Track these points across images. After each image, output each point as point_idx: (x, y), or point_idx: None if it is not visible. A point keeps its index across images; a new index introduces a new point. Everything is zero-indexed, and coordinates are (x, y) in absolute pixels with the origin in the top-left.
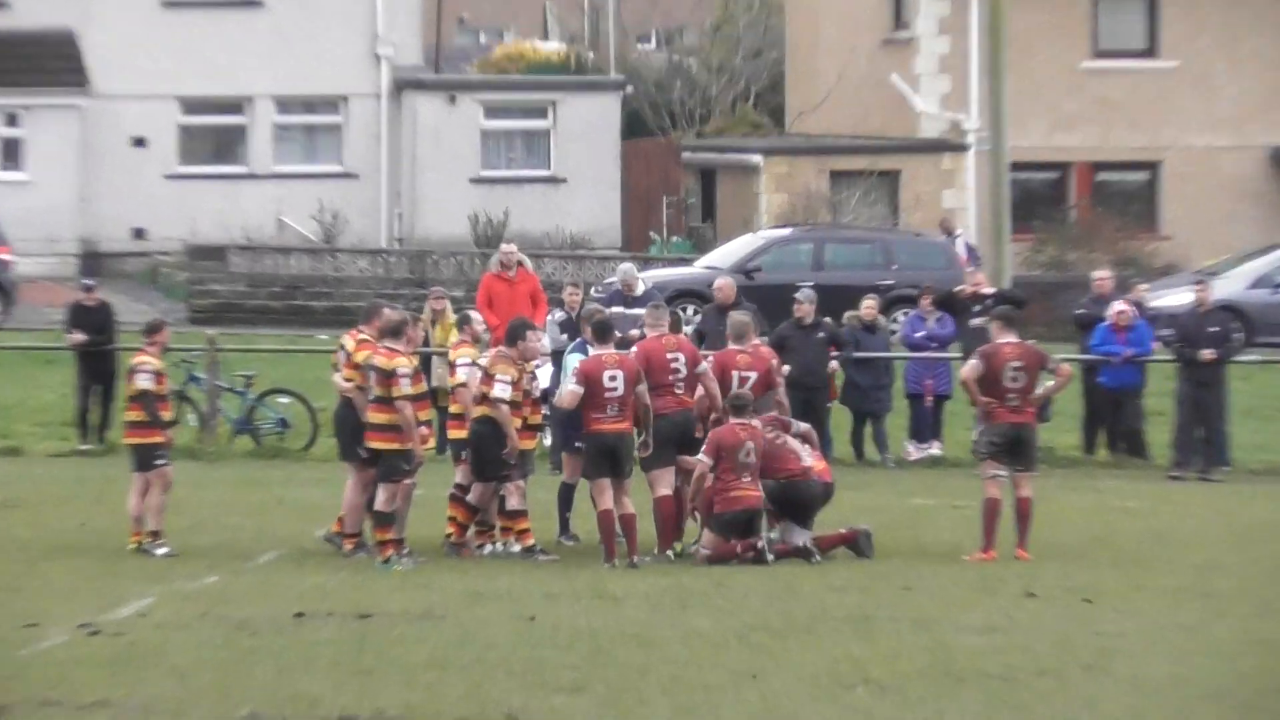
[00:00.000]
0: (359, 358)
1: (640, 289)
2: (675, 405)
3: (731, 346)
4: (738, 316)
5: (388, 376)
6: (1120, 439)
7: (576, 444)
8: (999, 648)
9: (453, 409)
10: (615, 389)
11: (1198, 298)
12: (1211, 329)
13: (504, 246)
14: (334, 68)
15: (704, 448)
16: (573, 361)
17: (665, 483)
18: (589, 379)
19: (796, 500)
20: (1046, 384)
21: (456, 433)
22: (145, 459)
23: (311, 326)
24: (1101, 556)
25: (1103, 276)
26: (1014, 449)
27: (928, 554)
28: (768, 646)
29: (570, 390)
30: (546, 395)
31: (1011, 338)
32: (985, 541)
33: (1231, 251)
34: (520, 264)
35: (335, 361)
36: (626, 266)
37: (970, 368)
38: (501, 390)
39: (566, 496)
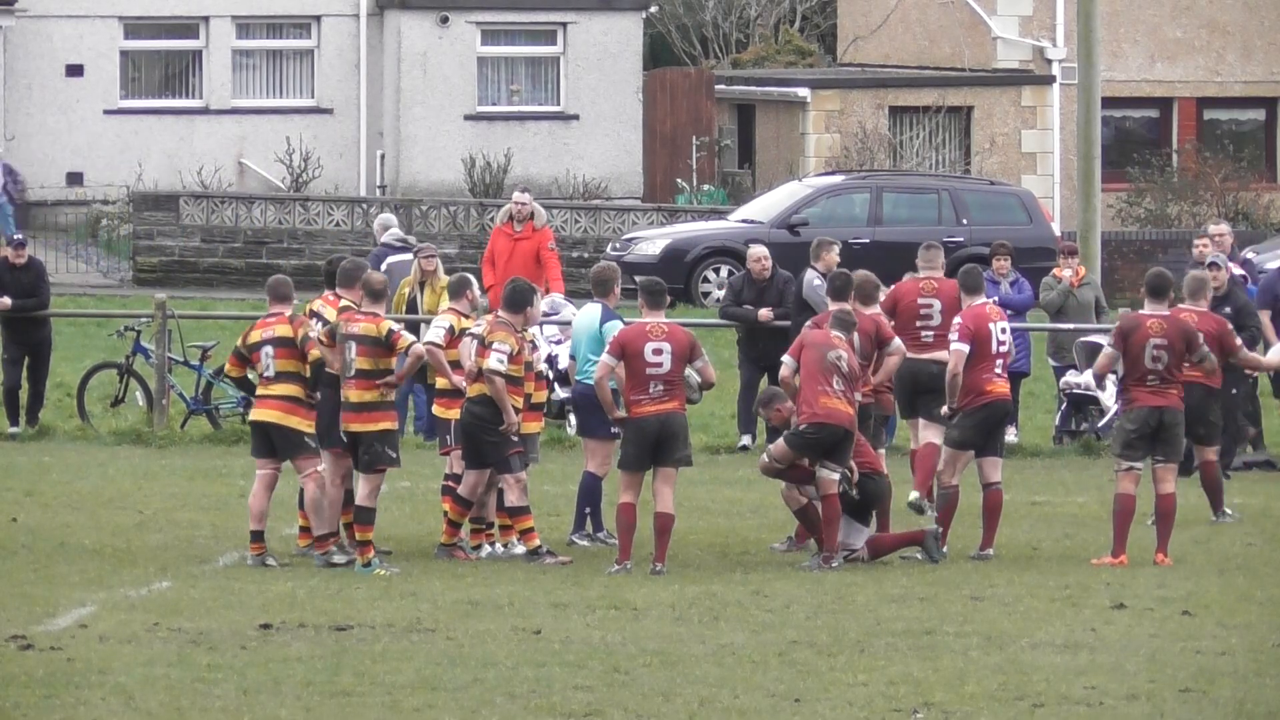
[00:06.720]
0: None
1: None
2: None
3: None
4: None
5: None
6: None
7: (614, 430)
8: (1082, 668)
9: (438, 384)
10: (660, 365)
11: None
12: None
13: (516, 195)
14: None
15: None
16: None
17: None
18: (628, 352)
19: (868, 495)
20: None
21: (444, 412)
22: None
23: None
24: (1203, 562)
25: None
26: (1155, 437)
27: (1001, 558)
28: (813, 666)
29: (601, 361)
30: (567, 376)
31: (1160, 309)
32: (1116, 545)
33: None
34: (531, 217)
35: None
36: (385, 217)
37: (1105, 358)
38: (497, 362)
39: (590, 489)
